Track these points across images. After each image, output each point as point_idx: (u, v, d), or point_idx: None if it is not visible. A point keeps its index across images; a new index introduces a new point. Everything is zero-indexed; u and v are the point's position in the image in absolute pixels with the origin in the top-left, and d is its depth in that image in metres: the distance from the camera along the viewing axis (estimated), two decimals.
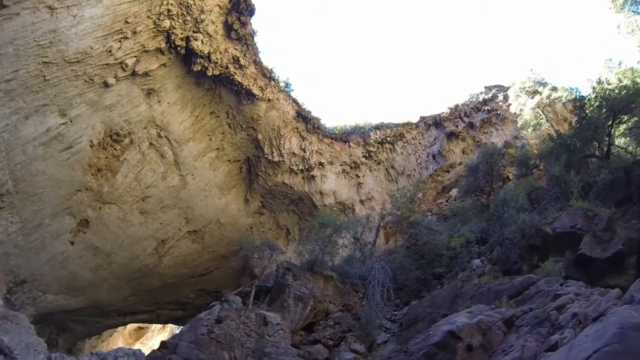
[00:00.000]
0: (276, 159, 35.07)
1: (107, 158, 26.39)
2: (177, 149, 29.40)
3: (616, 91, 26.04)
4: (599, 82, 30.12)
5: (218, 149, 32.35)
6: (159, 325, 53.45)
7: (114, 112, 25.59)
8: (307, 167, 37.66)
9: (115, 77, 24.72)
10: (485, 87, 46.62)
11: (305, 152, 37.47)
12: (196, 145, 30.72)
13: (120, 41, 24.30)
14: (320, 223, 29.01)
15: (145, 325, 52.80)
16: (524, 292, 16.86)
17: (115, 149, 26.56)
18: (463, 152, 43.65)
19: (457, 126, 44.68)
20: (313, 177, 38.10)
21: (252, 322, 20.19)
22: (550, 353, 10.74)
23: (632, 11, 45.05)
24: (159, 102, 27.56)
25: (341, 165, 40.79)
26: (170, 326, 51.59)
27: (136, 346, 47.51)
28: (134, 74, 25.56)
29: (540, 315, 13.59)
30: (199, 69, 28.24)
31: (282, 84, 35.10)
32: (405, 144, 45.43)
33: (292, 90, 36.43)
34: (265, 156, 34.64)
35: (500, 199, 26.03)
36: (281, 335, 20.32)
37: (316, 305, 23.52)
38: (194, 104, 29.66)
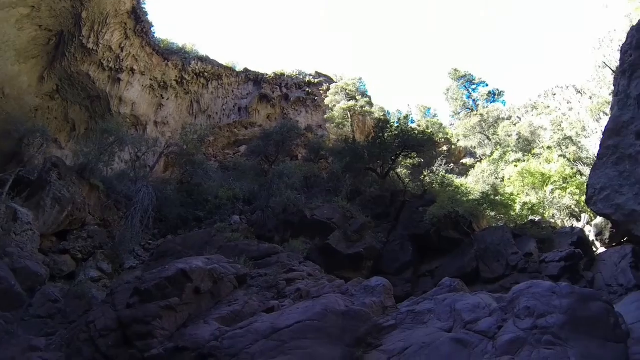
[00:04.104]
0: (91, 46, 31.16)
1: None
2: None
3: (416, 132, 28.90)
4: (405, 118, 33.56)
5: (33, 7, 26.83)
6: None
7: None
8: (117, 67, 34.31)
9: None
10: (316, 72, 49.12)
11: (122, 51, 34.22)
12: None
13: None
14: (105, 129, 26.88)
15: None
16: (266, 258, 17.73)
17: None
18: (268, 117, 44.69)
19: (273, 92, 45.67)
20: (119, 80, 34.89)
21: (1, 215, 17.51)
22: (265, 314, 11.48)
23: (464, 86, 52.53)
24: None
25: (151, 80, 38.26)
26: None
27: None
28: None
29: (270, 282, 14.44)
30: None
31: None
32: (219, 87, 44.84)
33: None
34: (81, 38, 30.38)
35: (277, 171, 27.23)
36: (29, 237, 17.95)
37: (74, 213, 21.40)
38: None
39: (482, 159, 41.28)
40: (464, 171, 39.10)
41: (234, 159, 37.57)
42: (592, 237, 22.78)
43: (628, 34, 15.42)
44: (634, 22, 15.35)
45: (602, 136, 16.29)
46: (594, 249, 21.47)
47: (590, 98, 36.03)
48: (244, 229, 22.92)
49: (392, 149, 27.77)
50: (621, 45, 16.12)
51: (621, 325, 8.69)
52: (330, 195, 25.48)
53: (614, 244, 20.59)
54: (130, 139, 28.37)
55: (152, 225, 24.69)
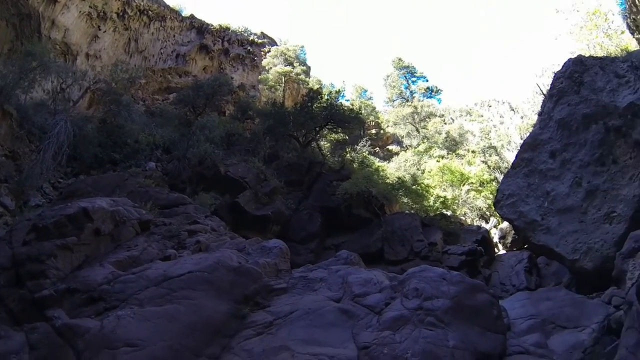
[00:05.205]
0: None
1: None
2: None
3: (344, 108, 29.59)
4: (337, 92, 34.26)
5: None
6: None
7: None
8: None
9: None
10: (262, 32, 48.83)
11: None
12: None
13: None
14: (30, 51, 24.47)
15: None
16: (173, 207, 17.77)
17: None
18: (204, 69, 43.82)
19: (214, 44, 44.74)
20: (56, 1, 32.35)
21: None
22: (160, 262, 11.65)
23: (405, 76, 54.44)
24: None
25: (90, 7, 35.61)
26: None
27: None
28: None
29: (173, 231, 14.44)
30: None
31: None
32: (161, 28, 43.21)
33: None
34: None
35: (201, 123, 26.87)
36: None
37: None
38: None
39: (407, 149, 42.86)
40: (388, 157, 40.46)
41: (162, 106, 36.79)
42: (496, 239, 24.95)
43: (565, 63, 16.74)
44: None
45: (520, 148, 17.76)
46: (496, 250, 23.50)
47: (522, 118, 38.89)
48: (157, 176, 22.52)
49: (318, 119, 28.26)
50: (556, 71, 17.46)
51: (503, 318, 9.58)
52: (249, 155, 25.65)
53: (514, 249, 22.59)
54: (56, 67, 25.93)
55: (65, 163, 22.99)
